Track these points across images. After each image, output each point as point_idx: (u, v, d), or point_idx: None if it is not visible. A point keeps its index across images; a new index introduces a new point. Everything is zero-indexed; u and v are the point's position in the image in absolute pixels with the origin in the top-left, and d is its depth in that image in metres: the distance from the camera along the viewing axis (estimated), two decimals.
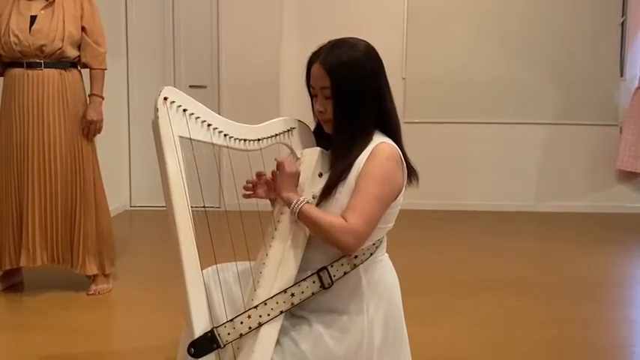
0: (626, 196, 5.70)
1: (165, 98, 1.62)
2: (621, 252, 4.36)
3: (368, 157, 1.67)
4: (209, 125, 1.68)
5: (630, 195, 5.71)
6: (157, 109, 1.62)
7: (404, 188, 1.74)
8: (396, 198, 1.71)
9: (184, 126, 1.64)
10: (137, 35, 5.57)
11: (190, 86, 5.45)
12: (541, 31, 5.60)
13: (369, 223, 1.63)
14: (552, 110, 5.68)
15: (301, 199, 1.65)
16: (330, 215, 1.65)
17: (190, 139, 1.65)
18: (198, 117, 1.67)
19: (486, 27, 5.65)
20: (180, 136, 1.64)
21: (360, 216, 1.61)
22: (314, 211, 1.64)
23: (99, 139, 3.36)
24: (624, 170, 5.57)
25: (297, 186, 1.72)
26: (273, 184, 1.81)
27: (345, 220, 1.61)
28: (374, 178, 1.64)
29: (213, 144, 1.69)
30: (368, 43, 1.75)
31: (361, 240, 1.64)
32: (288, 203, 1.67)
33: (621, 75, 5.64)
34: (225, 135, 1.71)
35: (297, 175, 1.71)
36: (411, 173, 1.77)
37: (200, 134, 1.67)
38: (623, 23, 5.61)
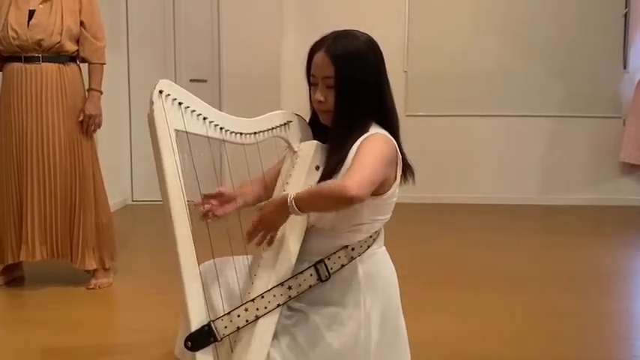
0: (629, 189, 5.68)
1: (161, 91, 1.62)
2: (625, 244, 4.34)
3: (362, 140, 1.65)
4: (205, 118, 1.68)
5: (634, 187, 5.68)
6: (152, 103, 1.62)
7: (398, 179, 1.73)
8: (392, 185, 1.69)
9: (180, 119, 1.64)
10: (137, 29, 5.54)
11: (191, 80, 5.43)
12: (544, 23, 5.56)
13: (366, 175, 1.55)
14: (555, 103, 5.64)
15: (286, 194, 1.59)
16: (321, 183, 1.64)
17: (186, 132, 1.64)
18: (194, 110, 1.66)
19: (489, 19, 5.62)
20: (176, 130, 1.64)
21: (355, 174, 1.56)
22: (306, 191, 1.62)
23: (100, 133, 3.35)
24: (628, 163, 5.54)
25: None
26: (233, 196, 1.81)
27: None
28: (369, 153, 1.61)
29: (209, 137, 1.69)
30: (369, 35, 1.74)
31: (361, 186, 1.52)
32: (282, 206, 1.60)
33: (624, 67, 5.60)
34: (221, 128, 1.70)
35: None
36: (407, 169, 1.76)
37: (196, 127, 1.67)
38: (626, 15, 5.56)
